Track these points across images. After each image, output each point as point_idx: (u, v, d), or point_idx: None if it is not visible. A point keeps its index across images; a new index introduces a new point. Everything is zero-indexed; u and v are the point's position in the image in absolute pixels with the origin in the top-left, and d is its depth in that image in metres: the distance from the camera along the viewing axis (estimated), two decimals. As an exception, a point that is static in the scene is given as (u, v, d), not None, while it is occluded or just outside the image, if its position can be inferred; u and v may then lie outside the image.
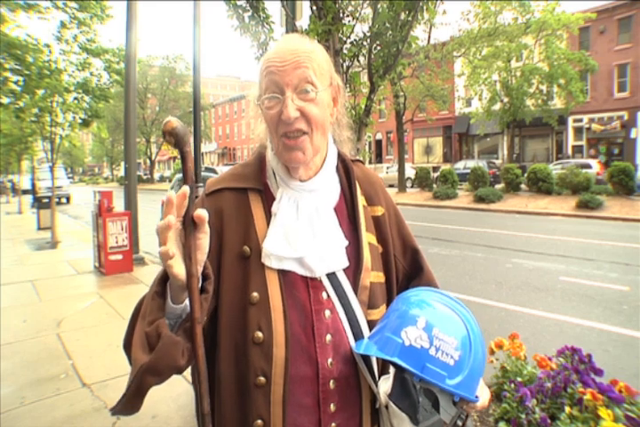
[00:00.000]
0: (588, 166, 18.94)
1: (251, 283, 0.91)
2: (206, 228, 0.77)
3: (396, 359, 0.81)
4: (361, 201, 1.04)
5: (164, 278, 0.80)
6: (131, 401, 0.80)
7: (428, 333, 0.83)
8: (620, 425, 1.81)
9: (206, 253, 0.79)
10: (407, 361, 0.81)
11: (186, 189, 0.72)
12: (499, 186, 19.14)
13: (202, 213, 0.74)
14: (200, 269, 0.78)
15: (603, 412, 1.81)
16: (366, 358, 0.96)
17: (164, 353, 0.75)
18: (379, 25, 3.50)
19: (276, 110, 0.90)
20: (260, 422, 0.89)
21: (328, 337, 0.92)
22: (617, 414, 1.83)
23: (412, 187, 23.85)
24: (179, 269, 0.74)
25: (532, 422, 2.05)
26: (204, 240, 0.77)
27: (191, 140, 0.67)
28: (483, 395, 0.90)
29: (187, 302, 0.80)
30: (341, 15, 3.58)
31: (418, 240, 1.17)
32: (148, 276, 7.04)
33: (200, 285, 0.79)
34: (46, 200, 12.37)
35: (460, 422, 0.87)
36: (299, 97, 0.90)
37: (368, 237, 1.02)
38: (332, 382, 0.92)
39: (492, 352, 2.73)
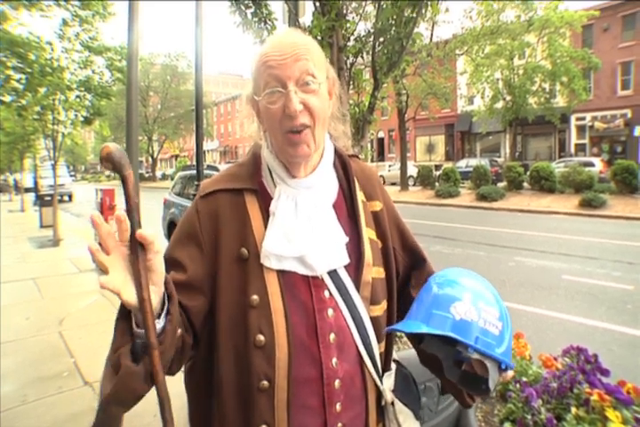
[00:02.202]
0: (591, 165, 18.84)
1: (250, 286, 0.89)
2: (157, 246, 0.72)
3: (450, 334, 0.83)
4: (360, 196, 1.03)
5: None
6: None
7: (474, 306, 0.87)
8: (629, 427, 1.79)
9: (163, 273, 0.75)
10: (461, 334, 0.83)
11: (120, 213, 0.68)
12: (501, 184, 19.07)
13: (145, 234, 0.70)
14: (161, 290, 0.75)
15: (611, 413, 1.78)
16: (371, 355, 0.95)
17: (123, 385, 0.73)
18: (382, 21, 3.47)
19: (278, 105, 0.88)
20: None
21: (332, 336, 0.90)
22: (626, 416, 1.80)
23: (414, 185, 23.79)
24: (128, 295, 0.71)
25: (538, 423, 2.03)
26: (155, 260, 0.73)
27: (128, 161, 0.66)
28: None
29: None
30: (345, 12, 3.55)
31: (420, 238, 1.18)
32: (150, 274, 7.04)
33: (166, 306, 0.77)
34: (48, 198, 12.36)
35: (493, 393, 0.91)
36: (301, 90, 0.88)
37: (368, 233, 1.01)
38: (336, 381, 0.90)
39: (497, 352, 2.70)
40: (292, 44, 0.89)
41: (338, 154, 1.05)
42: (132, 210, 0.69)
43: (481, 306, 0.87)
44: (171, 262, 0.91)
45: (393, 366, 1.01)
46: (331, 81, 0.98)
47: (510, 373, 0.93)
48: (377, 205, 1.06)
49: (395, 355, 1.04)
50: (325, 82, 0.94)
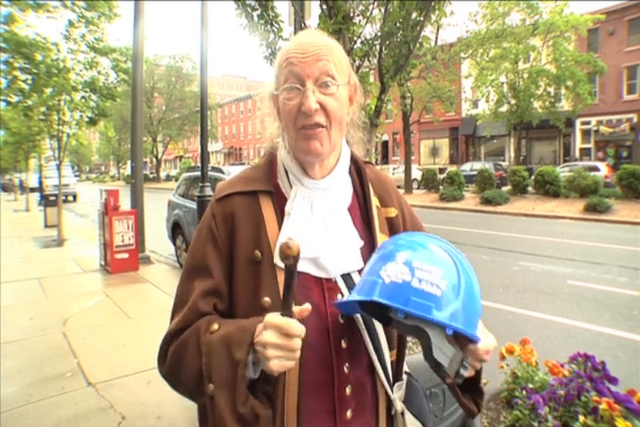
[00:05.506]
0: (596, 169, 18.79)
1: (262, 287, 0.88)
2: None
3: (375, 298, 0.75)
4: (374, 202, 1.02)
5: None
6: None
7: (408, 266, 0.77)
8: (640, 438, 1.76)
9: None
10: (389, 298, 0.74)
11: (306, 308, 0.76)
12: (505, 188, 19.02)
13: (304, 309, 0.76)
14: None
15: (621, 423, 1.75)
16: (382, 362, 0.93)
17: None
18: (389, 24, 3.47)
19: (295, 102, 0.88)
20: None
21: (344, 341, 0.89)
22: (636, 426, 1.77)
23: (418, 188, 23.77)
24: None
25: (545, 431, 2.01)
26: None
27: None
28: (487, 338, 0.84)
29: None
30: (352, 14, 3.54)
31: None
32: (153, 275, 7.04)
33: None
34: (53, 198, 12.42)
35: (463, 371, 0.79)
36: (319, 90, 0.88)
37: (382, 239, 0.99)
38: (348, 387, 0.89)
39: (503, 358, 2.68)
40: (316, 43, 0.90)
41: (353, 160, 1.05)
42: (290, 298, 0.74)
43: (416, 264, 0.76)
44: (198, 268, 0.92)
45: (404, 377, 0.99)
46: (352, 87, 0.97)
47: (483, 345, 0.80)
48: (392, 212, 1.05)
49: (405, 367, 1.02)
50: (346, 86, 0.94)
